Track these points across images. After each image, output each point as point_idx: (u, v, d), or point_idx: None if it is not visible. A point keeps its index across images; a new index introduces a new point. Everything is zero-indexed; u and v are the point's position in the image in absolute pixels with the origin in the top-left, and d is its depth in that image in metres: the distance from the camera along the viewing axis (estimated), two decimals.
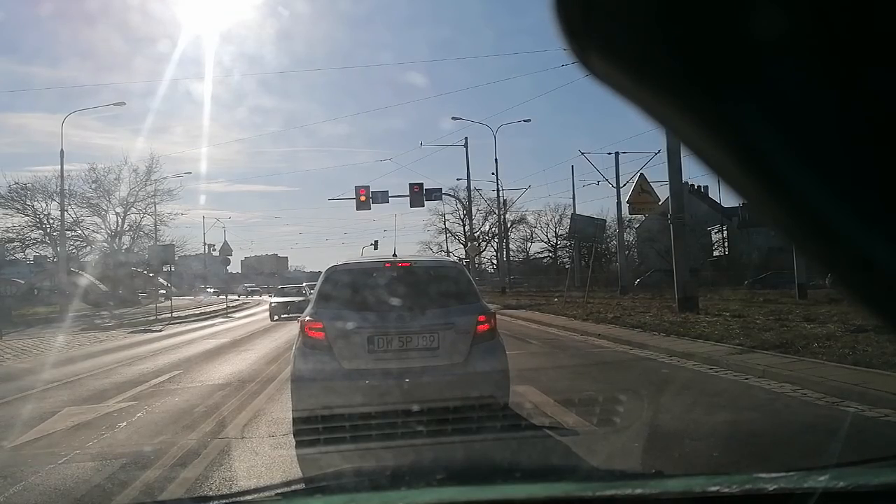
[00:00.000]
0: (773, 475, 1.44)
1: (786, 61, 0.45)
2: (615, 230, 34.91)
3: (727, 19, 0.46)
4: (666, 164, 15.20)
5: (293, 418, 4.83)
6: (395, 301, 5.09)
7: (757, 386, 6.70)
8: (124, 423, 5.72)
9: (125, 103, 30.54)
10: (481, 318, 5.17)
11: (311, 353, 4.95)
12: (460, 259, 49.28)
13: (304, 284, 26.50)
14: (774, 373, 6.97)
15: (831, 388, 6.07)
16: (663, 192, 23.84)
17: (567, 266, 36.30)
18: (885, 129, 0.44)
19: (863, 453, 3.70)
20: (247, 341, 14.41)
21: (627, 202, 22.75)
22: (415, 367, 4.88)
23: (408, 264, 5.61)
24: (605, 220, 26.15)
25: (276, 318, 21.94)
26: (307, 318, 5.08)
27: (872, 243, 0.47)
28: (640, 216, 34.21)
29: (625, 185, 29.42)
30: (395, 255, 5.95)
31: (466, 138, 36.79)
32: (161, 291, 31.11)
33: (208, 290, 44.99)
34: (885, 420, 5.05)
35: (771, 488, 1.37)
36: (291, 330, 16.31)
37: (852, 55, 0.44)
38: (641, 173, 23.39)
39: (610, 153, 31.42)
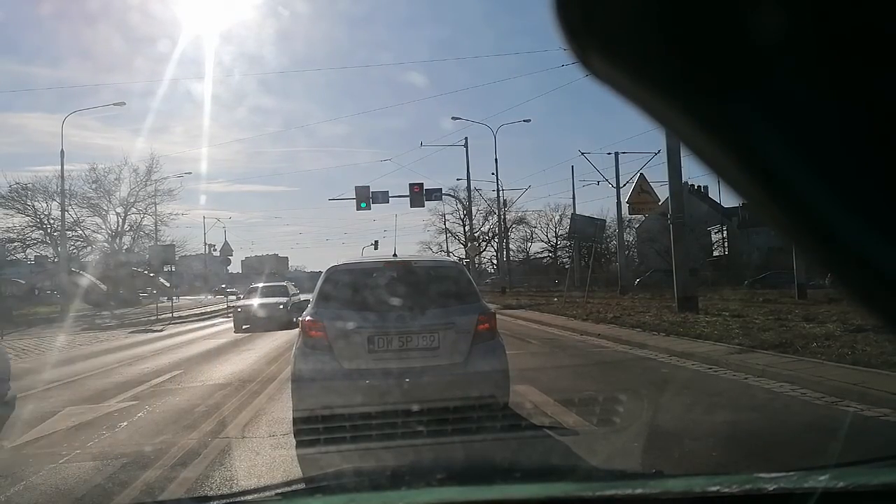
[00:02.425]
0: (773, 475, 1.44)
1: (787, 61, 0.45)
2: (615, 230, 34.94)
3: (728, 19, 0.45)
4: (666, 164, 15.22)
5: (294, 418, 4.85)
6: (396, 301, 5.11)
7: (756, 386, 6.71)
8: (125, 423, 5.73)
9: (125, 103, 30.60)
10: (481, 317, 5.17)
11: (312, 353, 4.95)
12: (460, 259, 49.64)
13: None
14: (774, 372, 6.97)
15: (830, 388, 6.07)
16: (663, 192, 23.95)
17: (567, 266, 36.29)
18: (886, 128, 0.44)
19: (862, 453, 3.70)
20: (247, 341, 14.41)
21: (627, 202, 22.77)
22: (415, 367, 4.88)
23: (408, 264, 5.63)
24: (604, 220, 26.18)
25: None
26: (308, 317, 5.10)
27: (872, 243, 0.47)
28: (640, 216, 34.26)
29: (625, 185, 29.46)
30: (395, 255, 6.00)
31: (466, 138, 36.83)
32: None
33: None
34: (884, 420, 5.06)
35: (771, 488, 1.38)
36: (290, 332, 16.35)
37: (853, 55, 0.44)
38: (641, 173, 23.45)
39: (610, 153, 31.38)
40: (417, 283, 5.36)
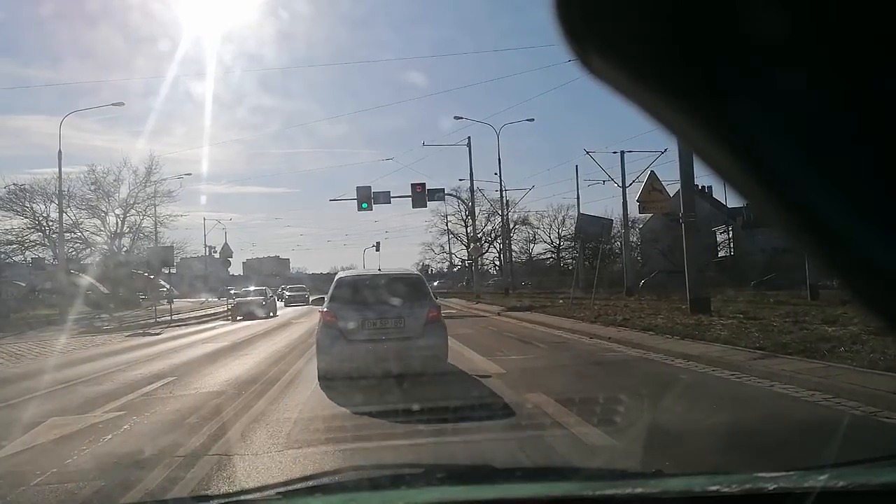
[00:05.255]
0: (773, 474, 1.43)
1: (788, 61, 0.45)
2: (618, 230, 34.45)
3: (728, 19, 0.45)
4: (672, 162, 14.88)
5: (318, 368, 7.69)
6: (378, 298, 7.85)
7: (785, 394, 6.29)
8: (109, 437, 5.30)
9: (124, 103, 30.21)
10: (431, 309, 7.98)
11: (328, 331, 7.73)
12: (463, 260, 50.80)
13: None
14: (802, 379, 6.56)
15: (865, 396, 5.66)
16: (668, 192, 23.56)
17: (570, 267, 35.77)
18: (891, 128, 0.44)
19: None
20: (246, 345, 14.04)
21: (637, 201, 22.31)
22: (389, 338, 7.62)
23: (387, 275, 8.63)
24: (612, 220, 25.65)
25: None
26: (325, 309, 7.98)
27: (877, 244, 0.46)
28: (643, 216, 33.81)
29: (630, 184, 29.04)
30: (379, 269, 9.55)
31: (469, 137, 36.00)
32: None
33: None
34: None
35: (771, 487, 1.36)
36: (290, 335, 16.06)
37: (856, 55, 0.43)
38: (652, 171, 23.04)
39: (616, 152, 30.69)
40: (392, 287, 8.01)
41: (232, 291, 32.47)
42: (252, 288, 29.50)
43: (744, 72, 0.46)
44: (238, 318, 24.19)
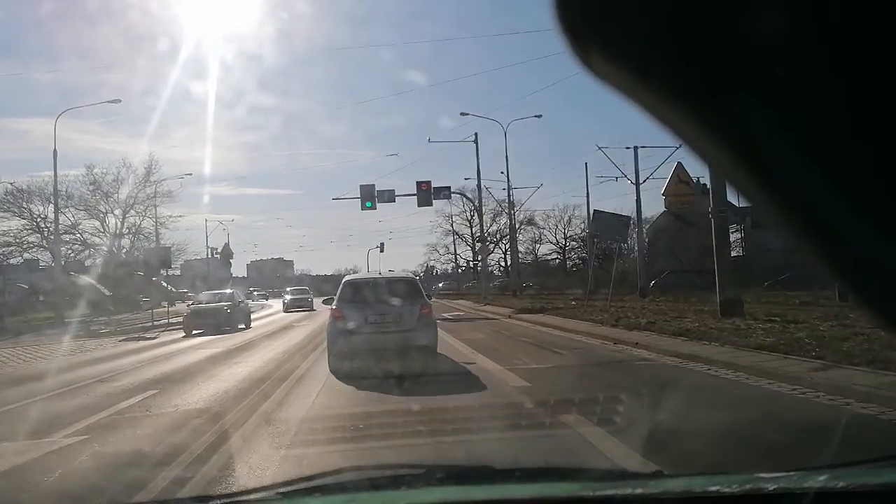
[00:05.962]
0: (773, 475, 1.42)
1: (788, 61, 0.45)
2: (631, 228, 33.28)
3: (728, 19, 0.44)
4: (686, 159, 13.79)
5: (328, 357, 8.88)
6: (379, 297, 9.11)
7: (870, 414, 5.28)
8: (58, 472, 4.33)
9: (120, 100, 29.41)
10: (423, 306, 9.30)
11: (336, 324, 8.95)
12: (468, 261, 50.72)
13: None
14: (885, 396, 5.54)
15: None
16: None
17: (576, 268, 34.64)
18: (889, 128, 0.44)
19: None
20: (243, 350, 13.13)
21: (663, 195, 21.16)
22: (388, 330, 8.94)
23: (386, 278, 10.16)
24: (629, 217, 24.36)
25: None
26: (333, 307, 9.25)
27: (875, 243, 0.46)
28: (650, 214, 32.58)
29: (644, 181, 27.95)
30: (379, 272, 11.38)
31: (476, 133, 34.94)
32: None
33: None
34: None
35: (771, 488, 1.36)
36: (291, 339, 15.18)
37: (856, 55, 0.43)
38: (679, 162, 21.80)
39: (628, 148, 29.40)
40: (391, 288, 9.30)
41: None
42: (227, 291, 23.06)
43: (744, 71, 0.45)
44: (193, 332, 18.35)
